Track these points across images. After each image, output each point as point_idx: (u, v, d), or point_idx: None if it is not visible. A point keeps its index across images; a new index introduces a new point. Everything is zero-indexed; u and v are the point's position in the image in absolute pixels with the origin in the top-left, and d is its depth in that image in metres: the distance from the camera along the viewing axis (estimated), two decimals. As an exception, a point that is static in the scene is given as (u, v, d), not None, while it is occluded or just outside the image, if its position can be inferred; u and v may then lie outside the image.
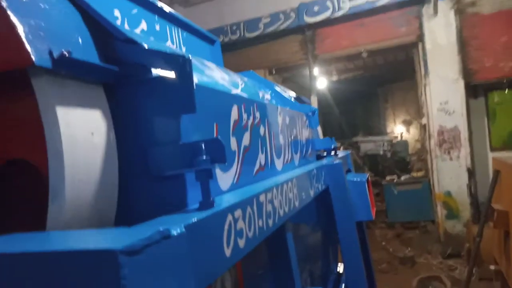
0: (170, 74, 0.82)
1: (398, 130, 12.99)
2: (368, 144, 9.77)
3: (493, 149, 6.43)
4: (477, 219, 5.60)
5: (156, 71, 0.83)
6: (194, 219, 0.58)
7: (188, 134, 0.87)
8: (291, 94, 3.11)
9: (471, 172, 6.17)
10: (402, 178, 7.79)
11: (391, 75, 12.15)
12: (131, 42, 0.77)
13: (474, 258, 4.23)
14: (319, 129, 3.60)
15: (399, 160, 9.98)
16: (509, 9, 6.06)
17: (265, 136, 1.55)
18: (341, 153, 3.18)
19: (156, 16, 1.95)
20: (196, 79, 1.03)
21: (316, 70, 7.79)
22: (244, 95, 1.74)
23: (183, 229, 0.52)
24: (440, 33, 6.43)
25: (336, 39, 7.31)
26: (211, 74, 1.46)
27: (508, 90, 6.99)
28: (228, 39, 8.06)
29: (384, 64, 10.66)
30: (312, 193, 1.70)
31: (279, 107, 1.87)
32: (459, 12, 6.32)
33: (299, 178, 1.49)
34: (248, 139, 1.35)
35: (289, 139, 1.99)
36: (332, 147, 2.99)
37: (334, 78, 11.43)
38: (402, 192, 7.24)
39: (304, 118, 2.48)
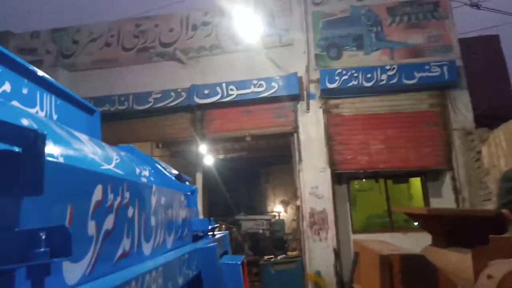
0: (15, 149, 0.73)
1: (277, 209, 13.73)
2: (249, 223, 10.03)
3: (354, 231, 7.22)
4: (342, 299, 5.99)
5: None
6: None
7: (30, 219, 0.75)
8: (173, 171, 3.06)
9: (337, 253, 6.74)
10: (279, 257, 8.03)
11: (273, 158, 13.17)
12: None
13: None
14: (199, 207, 3.58)
15: (277, 239, 10.39)
16: (363, 114, 7.39)
17: (134, 218, 1.45)
18: (218, 234, 3.17)
19: (25, 79, 1.79)
20: (53, 154, 0.94)
21: (204, 148, 7.99)
22: (115, 172, 1.64)
23: None
24: (311, 127, 7.39)
25: (223, 121, 7.75)
26: (78, 148, 1.35)
27: (365, 180, 8.18)
28: (115, 109, 7.82)
29: (266, 147, 11.56)
30: (181, 280, 1.61)
31: (154, 186, 1.81)
32: (326, 111, 7.44)
33: (166, 265, 1.40)
34: (111, 222, 1.24)
35: (163, 220, 1.91)
36: (210, 227, 2.96)
37: (221, 156, 11.84)
38: (278, 272, 7.39)
39: (183, 197, 2.43)
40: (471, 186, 6.69)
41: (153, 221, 1.72)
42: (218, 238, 2.78)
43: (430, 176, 7.31)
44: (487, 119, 7.33)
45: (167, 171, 2.78)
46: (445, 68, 7.05)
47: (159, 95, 7.78)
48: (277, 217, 12.42)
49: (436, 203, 7.08)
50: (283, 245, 10.41)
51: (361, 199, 8.97)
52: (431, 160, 7.00)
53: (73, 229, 0.94)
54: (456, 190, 6.85)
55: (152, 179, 2.35)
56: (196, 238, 2.69)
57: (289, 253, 8.53)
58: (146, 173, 2.35)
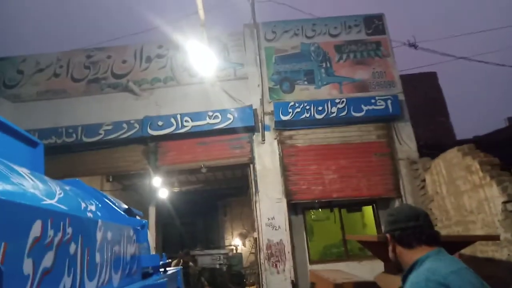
0: None
1: (235, 242, 13.47)
2: (206, 258, 9.70)
3: (311, 262, 7.23)
4: (301, 333, 5.87)
5: None
6: None
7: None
8: (122, 205, 2.94)
9: (294, 285, 6.67)
10: (237, 293, 7.80)
11: (230, 190, 13.05)
12: None
13: None
14: (151, 242, 3.43)
15: (235, 273, 10.11)
16: (316, 145, 7.63)
17: (76, 255, 1.36)
18: (171, 269, 3.03)
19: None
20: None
21: (158, 181, 7.76)
22: (58, 207, 1.55)
23: None
24: (267, 158, 7.49)
25: (178, 153, 7.64)
26: (16, 182, 1.27)
27: (321, 209, 8.31)
28: (62, 141, 7.45)
29: (223, 179, 11.46)
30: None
31: (100, 221, 1.72)
32: (281, 142, 7.61)
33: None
34: (51, 260, 1.16)
35: (110, 257, 1.81)
36: (161, 263, 2.83)
37: (177, 189, 11.54)
38: (236, 309, 7.16)
39: (132, 232, 2.33)
40: (418, 213, 7.02)
41: (98, 258, 1.62)
42: (170, 274, 2.66)
43: (381, 204, 7.60)
44: (429, 149, 7.86)
45: (116, 205, 2.67)
46: (389, 102, 7.55)
47: (110, 127, 7.54)
48: (234, 251, 12.17)
49: (387, 230, 7.31)
50: (242, 279, 10.14)
51: (317, 229, 9.07)
52: (380, 188, 7.31)
53: (6, 267, 0.88)
54: (405, 217, 7.15)
55: (99, 213, 2.24)
56: (146, 275, 2.56)
57: (247, 284, 8.33)
58: (92, 207, 2.24)
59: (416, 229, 1.44)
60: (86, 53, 8.60)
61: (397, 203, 7.35)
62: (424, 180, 6.91)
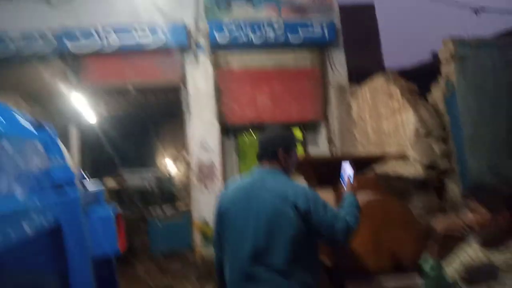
0: None
1: (168, 164, 13.55)
2: (135, 178, 9.66)
3: (241, 182, 7.52)
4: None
5: None
6: None
7: None
8: (29, 118, 2.67)
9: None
10: (168, 211, 8.03)
11: (163, 112, 12.65)
12: None
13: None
14: (69, 160, 3.23)
15: (166, 193, 10.30)
16: (251, 69, 7.49)
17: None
18: (90, 186, 2.93)
19: None
20: None
21: (80, 99, 7.18)
22: None
23: None
24: (200, 80, 7.23)
25: (103, 71, 7.03)
26: None
27: (253, 133, 8.47)
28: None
29: (155, 101, 10.99)
30: (23, 234, 1.42)
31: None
32: (215, 64, 7.33)
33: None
34: None
35: (8, 171, 1.65)
36: (75, 178, 2.70)
37: (105, 111, 10.89)
38: (166, 225, 7.43)
39: (38, 145, 2.13)
40: (342, 136, 7.51)
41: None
42: (89, 191, 2.55)
43: (309, 127, 7.94)
44: (359, 77, 8.16)
45: (22, 119, 2.41)
46: (325, 28, 7.49)
47: (19, 39, 6.58)
48: (167, 173, 12.27)
49: (313, 151, 7.78)
50: (173, 199, 10.40)
51: (249, 152, 9.37)
52: (310, 113, 7.57)
53: None
54: (330, 140, 7.61)
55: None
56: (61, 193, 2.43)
57: (178, 206, 8.59)
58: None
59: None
60: None
61: (323, 127, 7.71)
62: (350, 106, 7.27)
